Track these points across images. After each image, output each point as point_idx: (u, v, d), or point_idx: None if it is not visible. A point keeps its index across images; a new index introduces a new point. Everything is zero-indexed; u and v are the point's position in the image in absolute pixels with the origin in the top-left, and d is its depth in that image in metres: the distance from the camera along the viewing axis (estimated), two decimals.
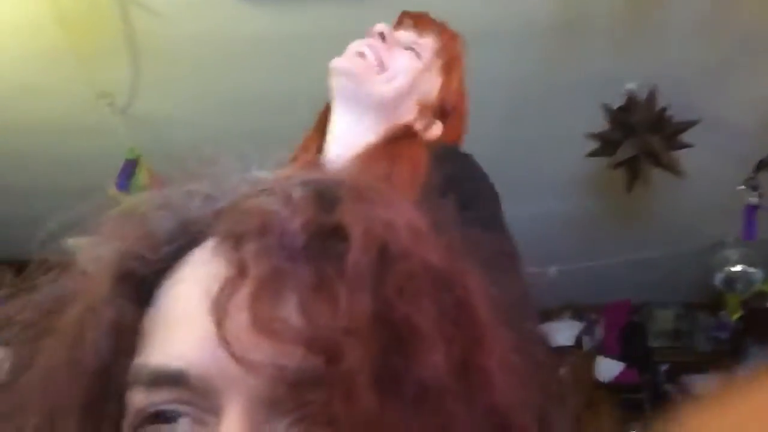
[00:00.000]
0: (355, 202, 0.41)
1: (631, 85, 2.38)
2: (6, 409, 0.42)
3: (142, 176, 2.57)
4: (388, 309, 0.37)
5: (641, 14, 2.13)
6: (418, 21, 1.16)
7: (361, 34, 1.20)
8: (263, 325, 0.36)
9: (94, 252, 0.44)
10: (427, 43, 1.14)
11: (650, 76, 2.33)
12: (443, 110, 1.14)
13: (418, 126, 1.11)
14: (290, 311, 0.37)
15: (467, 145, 1.19)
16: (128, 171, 2.53)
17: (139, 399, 0.39)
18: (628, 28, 2.18)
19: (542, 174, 2.87)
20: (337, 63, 1.09)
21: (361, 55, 1.09)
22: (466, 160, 1.07)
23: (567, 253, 3.31)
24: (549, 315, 3.79)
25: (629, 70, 2.36)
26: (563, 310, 3.97)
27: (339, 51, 1.12)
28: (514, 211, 1.08)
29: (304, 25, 2.15)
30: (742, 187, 2.40)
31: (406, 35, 1.14)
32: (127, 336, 0.41)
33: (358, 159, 1.02)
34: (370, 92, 1.07)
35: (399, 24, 1.18)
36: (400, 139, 1.07)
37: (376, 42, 1.10)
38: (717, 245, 3.46)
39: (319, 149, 1.11)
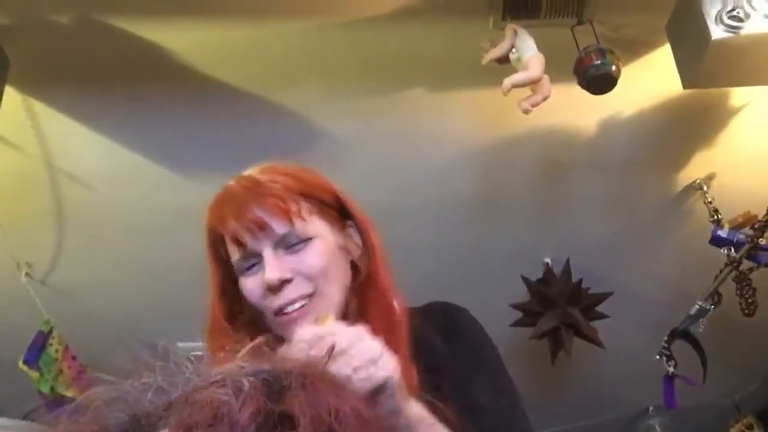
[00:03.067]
0: (302, 389, 0.42)
1: (547, 259, 2.52)
2: None
3: (53, 349, 2.45)
4: None
5: (552, 192, 2.31)
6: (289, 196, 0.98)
7: None
8: None
9: None
10: (313, 213, 1.00)
11: (564, 250, 2.48)
12: (341, 209, 1.04)
13: (356, 256, 1.03)
14: None
15: None
16: (39, 344, 2.40)
17: None
18: (542, 205, 2.35)
19: None
20: (299, 345, 0.87)
21: (297, 321, 0.94)
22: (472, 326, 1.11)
23: None
24: None
25: (545, 243, 2.50)
26: None
27: None
28: None
29: None
30: (658, 357, 2.48)
31: (291, 234, 0.96)
32: None
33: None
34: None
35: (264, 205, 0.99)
36: (365, 295, 1.01)
37: (282, 296, 0.95)
38: (641, 414, 3.49)
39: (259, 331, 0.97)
